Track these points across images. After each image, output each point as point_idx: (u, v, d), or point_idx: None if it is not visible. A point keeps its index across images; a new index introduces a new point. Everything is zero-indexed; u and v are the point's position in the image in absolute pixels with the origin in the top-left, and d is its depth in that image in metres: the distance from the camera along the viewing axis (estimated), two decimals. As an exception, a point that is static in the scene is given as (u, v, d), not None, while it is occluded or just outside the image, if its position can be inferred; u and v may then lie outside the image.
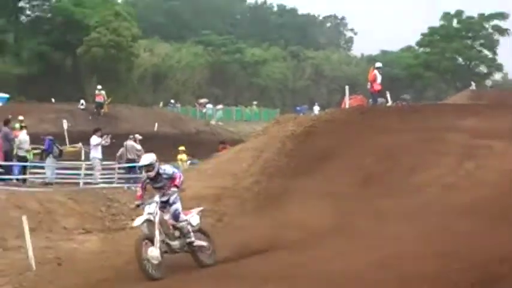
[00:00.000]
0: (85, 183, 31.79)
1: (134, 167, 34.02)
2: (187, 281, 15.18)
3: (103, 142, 35.48)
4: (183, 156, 37.98)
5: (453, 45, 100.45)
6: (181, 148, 38.76)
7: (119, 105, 57.53)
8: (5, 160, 31.11)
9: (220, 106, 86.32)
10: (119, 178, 34.48)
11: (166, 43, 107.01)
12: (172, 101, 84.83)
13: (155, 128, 52.25)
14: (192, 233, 16.26)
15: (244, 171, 25.27)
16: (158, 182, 16.52)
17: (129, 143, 35.59)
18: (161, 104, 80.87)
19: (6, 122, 32.53)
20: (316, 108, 62.03)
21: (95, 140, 34.93)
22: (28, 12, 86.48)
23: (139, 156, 34.62)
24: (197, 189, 24.67)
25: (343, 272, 14.41)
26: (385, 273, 14.32)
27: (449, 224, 17.94)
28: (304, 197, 22.07)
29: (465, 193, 20.65)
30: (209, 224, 21.80)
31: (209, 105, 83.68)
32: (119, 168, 35.20)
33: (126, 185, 31.17)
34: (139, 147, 35.55)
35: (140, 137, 37.28)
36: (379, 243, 16.31)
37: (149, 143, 38.40)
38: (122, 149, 35.44)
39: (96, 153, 34.83)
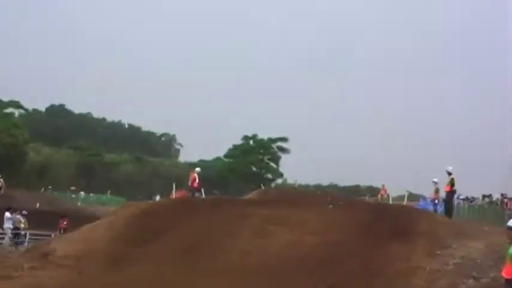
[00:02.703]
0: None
1: (19, 233, 33.41)
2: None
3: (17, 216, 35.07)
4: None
5: (249, 158, 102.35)
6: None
7: (12, 189, 56.13)
8: None
9: (82, 193, 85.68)
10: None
11: (48, 147, 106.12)
12: (49, 187, 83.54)
13: (37, 206, 51.09)
14: None
15: (98, 239, 24.90)
16: None
17: (16, 216, 34.85)
18: (42, 189, 79.27)
19: None
20: (157, 197, 61.65)
21: (7, 215, 34.65)
22: None
23: (24, 226, 34.19)
24: (64, 251, 24.42)
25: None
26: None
27: (243, 281, 18.64)
28: (141, 260, 22.12)
29: (255, 258, 21.37)
30: (71, 276, 21.72)
31: (82, 193, 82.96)
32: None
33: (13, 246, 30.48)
34: (23, 219, 34.93)
35: (25, 212, 36.50)
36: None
37: (32, 216, 37.90)
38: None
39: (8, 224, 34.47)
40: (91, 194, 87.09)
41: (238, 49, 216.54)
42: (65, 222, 39.60)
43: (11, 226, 34.27)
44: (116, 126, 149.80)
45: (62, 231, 37.60)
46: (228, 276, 19.05)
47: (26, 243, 32.43)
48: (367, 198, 52.99)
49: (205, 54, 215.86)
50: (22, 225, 35.18)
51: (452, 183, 30.28)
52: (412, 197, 50.47)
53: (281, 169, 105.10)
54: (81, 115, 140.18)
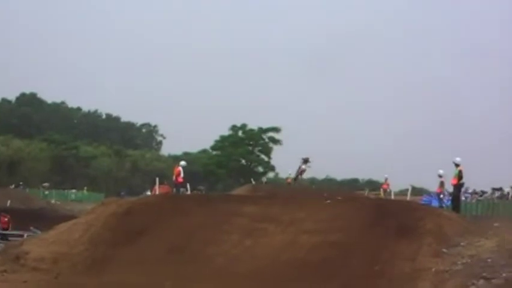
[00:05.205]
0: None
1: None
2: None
3: None
4: None
5: (238, 150, 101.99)
6: None
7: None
8: None
9: (64, 190, 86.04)
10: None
11: (18, 140, 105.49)
12: (21, 183, 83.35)
13: (8, 204, 50.99)
14: None
15: (76, 240, 24.92)
16: None
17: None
18: (13, 185, 79.15)
19: None
20: (148, 193, 61.14)
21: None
22: None
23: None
24: (39, 253, 24.36)
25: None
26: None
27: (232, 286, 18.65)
28: (123, 262, 22.12)
29: (245, 261, 21.31)
30: (47, 280, 21.68)
31: (63, 190, 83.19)
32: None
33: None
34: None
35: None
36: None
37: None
38: None
39: None
40: (72, 190, 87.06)
41: (228, 36, 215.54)
42: (6, 219, 38.52)
43: None
44: (93, 116, 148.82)
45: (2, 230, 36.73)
46: (216, 282, 19.03)
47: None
48: (366, 193, 52.99)
49: (192, 37, 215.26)
50: None
51: (460, 175, 29.97)
52: (416, 191, 50.55)
53: (273, 162, 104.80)
54: (54, 104, 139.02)
